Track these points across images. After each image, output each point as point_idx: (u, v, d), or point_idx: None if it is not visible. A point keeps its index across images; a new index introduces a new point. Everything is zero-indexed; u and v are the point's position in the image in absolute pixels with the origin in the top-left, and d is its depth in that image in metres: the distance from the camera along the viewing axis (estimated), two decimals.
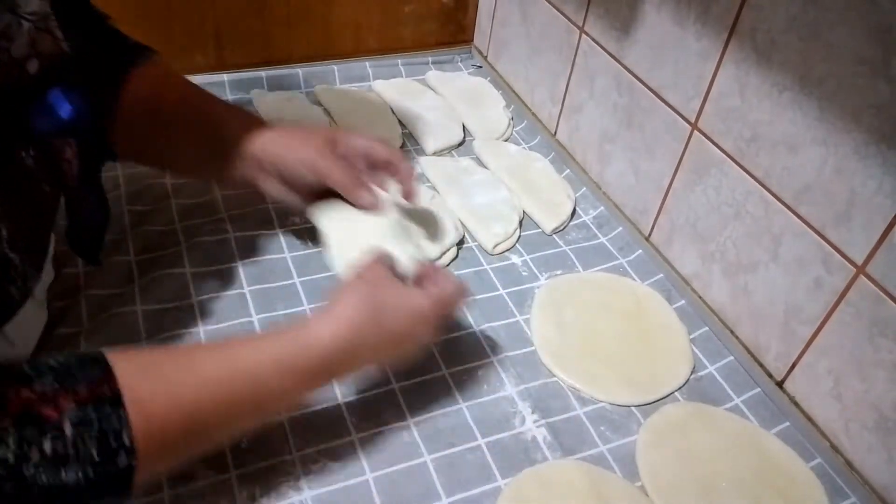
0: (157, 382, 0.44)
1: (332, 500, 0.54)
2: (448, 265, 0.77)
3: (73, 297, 0.65)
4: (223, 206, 0.79)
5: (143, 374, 0.43)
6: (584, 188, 0.88)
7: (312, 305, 0.70)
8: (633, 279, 0.78)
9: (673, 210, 0.77)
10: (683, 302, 0.75)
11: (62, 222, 0.58)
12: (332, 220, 0.66)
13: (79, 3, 0.61)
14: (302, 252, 0.75)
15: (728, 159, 0.68)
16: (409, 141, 0.94)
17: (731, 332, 0.72)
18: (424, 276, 0.59)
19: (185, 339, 0.64)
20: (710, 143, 0.70)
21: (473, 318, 0.71)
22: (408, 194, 0.67)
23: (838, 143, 0.57)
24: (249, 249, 0.74)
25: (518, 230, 0.82)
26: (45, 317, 0.62)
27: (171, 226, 0.75)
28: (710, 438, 0.62)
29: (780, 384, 0.67)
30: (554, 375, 0.67)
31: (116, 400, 0.41)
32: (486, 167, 0.90)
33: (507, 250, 0.80)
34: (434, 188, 0.86)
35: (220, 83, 0.96)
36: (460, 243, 0.79)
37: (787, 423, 0.65)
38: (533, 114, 1.01)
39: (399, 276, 0.58)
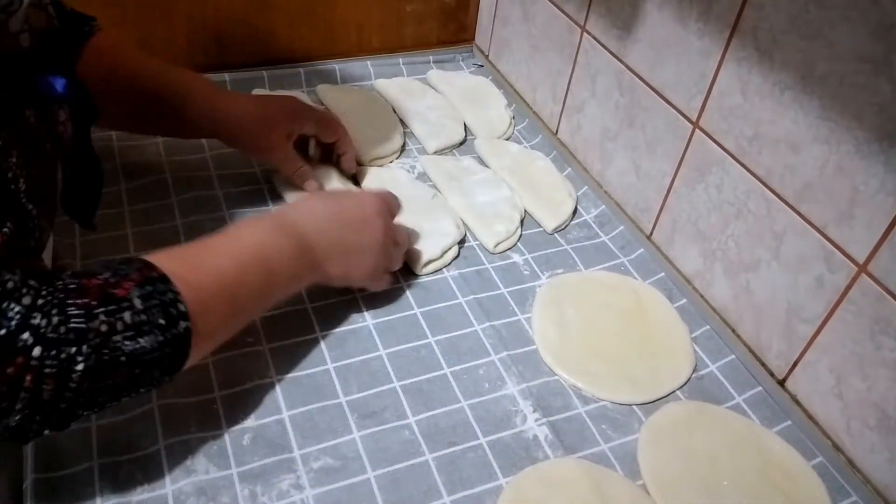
0: (185, 261, 0.52)
1: (333, 499, 0.55)
2: (449, 264, 0.77)
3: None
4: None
5: (173, 258, 0.51)
6: (586, 187, 0.88)
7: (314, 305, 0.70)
8: (635, 278, 0.78)
9: (674, 209, 0.77)
10: (685, 301, 0.75)
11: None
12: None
13: None
14: None
15: (729, 158, 0.68)
16: (410, 140, 0.94)
17: (733, 330, 0.72)
18: None
19: None
20: (712, 142, 0.70)
21: (475, 317, 0.71)
22: (346, 164, 0.83)
23: (840, 141, 0.57)
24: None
25: (519, 229, 0.82)
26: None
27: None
28: (711, 437, 0.62)
29: (781, 383, 0.67)
30: (555, 374, 0.67)
31: (164, 278, 0.48)
32: (487, 166, 0.90)
33: (509, 249, 0.80)
34: (435, 187, 0.86)
35: (221, 82, 0.96)
36: (461, 242, 0.79)
37: (789, 422, 0.65)
38: (534, 113, 1.01)
39: None
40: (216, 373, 0.62)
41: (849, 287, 0.59)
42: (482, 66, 1.11)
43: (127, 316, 0.45)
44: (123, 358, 0.45)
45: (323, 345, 0.66)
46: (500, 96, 1.03)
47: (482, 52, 1.13)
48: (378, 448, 0.58)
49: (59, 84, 0.53)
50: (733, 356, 0.70)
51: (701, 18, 0.69)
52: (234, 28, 0.97)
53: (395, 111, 0.98)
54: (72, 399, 0.44)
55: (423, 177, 0.88)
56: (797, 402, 0.66)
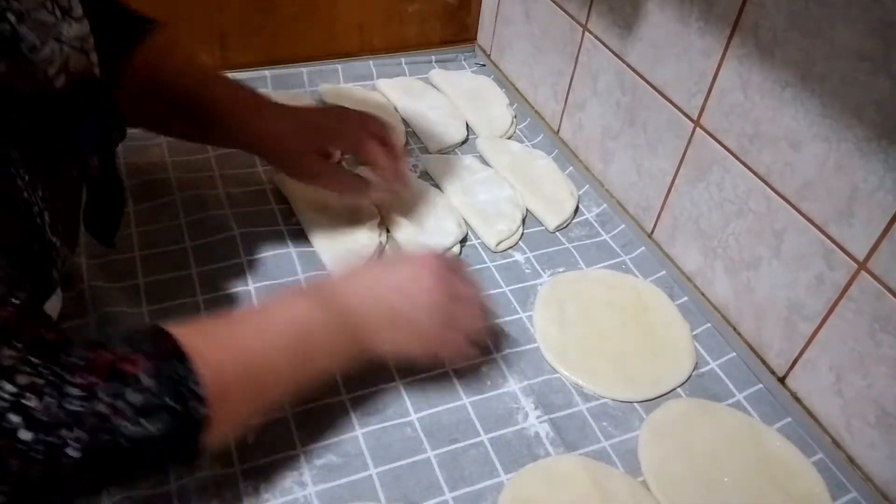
0: (209, 338, 0.48)
1: (336, 495, 0.55)
2: None
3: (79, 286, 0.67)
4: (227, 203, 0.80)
5: (196, 333, 0.47)
6: (587, 185, 0.89)
7: None
8: (636, 276, 0.78)
9: (675, 207, 0.77)
10: (686, 298, 0.75)
11: None
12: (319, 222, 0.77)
13: None
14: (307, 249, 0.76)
15: (730, 156, 0.69)
16: (412, 139, 0.94)
17: (734, 328, 0.72)
18: None
19: None
20: (713, 140, 0.70)
21: None
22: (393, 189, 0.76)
23: (840, 139, 0.57)
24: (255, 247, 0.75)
25: (521, 228, 0.82)
26: (59, 304, 0.64)
27: (176, 221, 0.76)
28: (712, 434, 0.62)
29: (781, 380, 0.67)
30: (556, 372, 0.67)
31: (181, 354, 0.44)
32: (489, 165, 0.91)
33: (511, 248, 0.80)
34: (437, 186, 0.86)
35: None
36: (463, 241, 0.79)
37: (789, 419, 0.65)
38: (536, 112, 1.01)
39: None
40: None
41: (849, 284, 0.59)
42: (484, 65, 1.12)
43: (132, 396, 0.42)
44: (126, 443, 0.41)
45: None
46: (502, 95, 1.03)
47: (484, 51, 1.13)
48: (380, 445, 0.59)
49: (91, 123, 0.52)
50: (734, 353, 0.70)
51: (702, 17, 0.69)
52: (237, 29, 0.97)
53: (397, 110, 0.98)
54: (65, 488, 0.41)
55: (425, 176, 0.88)
56: (797, 400, 0.66)
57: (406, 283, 0.58)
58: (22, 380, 0.39)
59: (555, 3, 0.92)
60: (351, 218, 0.77)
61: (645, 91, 0.79)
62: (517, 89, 1.05)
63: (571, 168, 0.92)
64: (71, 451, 0.40)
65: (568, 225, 0.84)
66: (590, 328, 0.71)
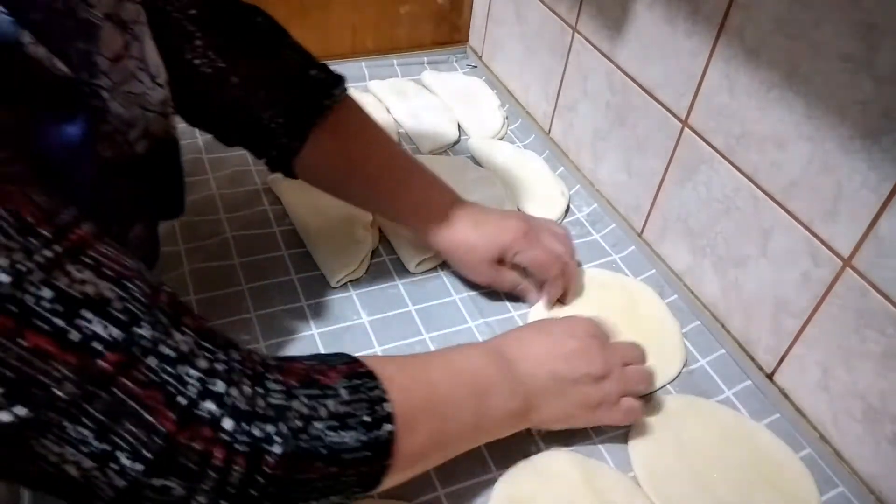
0: (395, 364, 0.48)
1: None
2: (443, 262, 0.77)
3: None
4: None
5: (384, 361, 0.48)
6: (578, 185, 0.90)
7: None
8: (626, 275, 0.79)
9: (665, 206, 0.78)
10: (676, 297, 0.76)
11: None
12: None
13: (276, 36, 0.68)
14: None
15: (718, 156, 0.70)
16: (404, 140, 0.95)
17: (723, 325, 0.73)
18: None
19: None
20: (701, 140, 0.71)
21: (469, 314, 0.72)
22: (544, 298, 0.73)
23: (825, 138, 0.58)
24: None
25: None
26: None
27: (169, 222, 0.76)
28: (701, 430, 0.63)
29: (769, 376, 0.68)
30: None
31: (372, 375, 0.45)
32: (480, 165, 0.91)
33: None
34: None
35: None
36: None
37: (777, 415, 0.66)
38: (527, 112, 1.02)
39: None
40: None
41: (834, 281, 0.60)
42: (476, 66, 1.12)
43: (331, 404, 0.41)
44: (323, 450, 0.40)
45: (318, 341, 0.67)
46: (494, 96, 1.04)
47: (476, 52, 1.14)
48: None
49: (160, 189, 0.53)
50: (723, 351, 0.71)
51: (689, 19, 0.70)
52: None
53: (389, 111, 0.99)
54: (262, 489, 0.38)
55: None
56: (785, 396, 0.67)
57: (571, 353, 0.57)
58: (203, 364, 0.37)
59: (545, 4, 0.93)
60: (343, 219, 0.78)
61: (634, 92, 0.79)
62: (508, 90, 1.06)
63: (562, 168, 0.92)
64: (275, 447, 0.38)
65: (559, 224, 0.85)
66: None
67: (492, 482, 0.58)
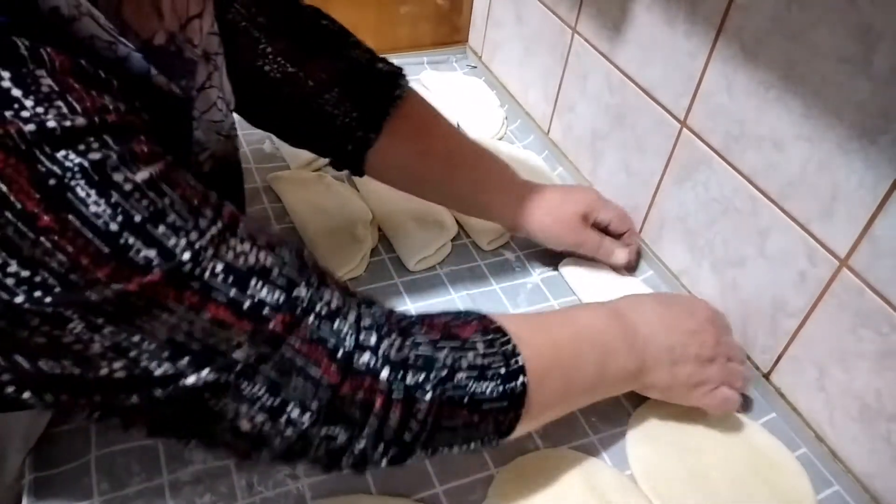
0: (525, 322, 0.50)
1: (328, 488, 0.56)
2: (442, 261, 0.78)
3: None
4: None
5: (513, 318, 0.49)
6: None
7: None
8: (624, 275, 0.79)
9: (663, 206, 0.79)
10: None
11: None
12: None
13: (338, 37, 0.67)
14: None
15: (716, 156, 0.70)
16: None
17: None
18: None
19: None
20: (699, 141, 0.72)
21: None
22: (622, 255, 0.77)
23: (822, 139, 0.59)
24: None
25: None
26: None
27: None
28: (698, 429, 0.63)
29: (766, 376, 0.69)
30: None
31: (503, 330, 0.47)
32: None
33: (502, 246, 0.81)
34: None
35: None
36: (454, 239, 0.80)
37: (774, 414, 0.66)
38: (526, 113, 1.02)
39: None
40: None
41: (831, 281, 0.60)
42: (475, 67, 1.13)
43: (471, 356, 0.44)
44: (466, 399, 0.43)
45: None
46: (493, 97, 1.04)
47: (475, 53, 1.14)
48: None
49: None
50: None
51: (688, 20, 0.70)
52: None
53: None
54: (416, 432, 0.42)
55: None
56: (781, 395, 0.67)
57: (687, 329, 0.59)
58: (352, 317, 0.41)
59: (545, 5, 0.94)
60: (343, 218, 0.78)
61: (633, 92, 0.80)
62: (508, 91, 1.06)
63: (561, 168, 0.93)
64: (426, 395, 0.41)
65: None
66: None
67: (490, 479, 0.58)
